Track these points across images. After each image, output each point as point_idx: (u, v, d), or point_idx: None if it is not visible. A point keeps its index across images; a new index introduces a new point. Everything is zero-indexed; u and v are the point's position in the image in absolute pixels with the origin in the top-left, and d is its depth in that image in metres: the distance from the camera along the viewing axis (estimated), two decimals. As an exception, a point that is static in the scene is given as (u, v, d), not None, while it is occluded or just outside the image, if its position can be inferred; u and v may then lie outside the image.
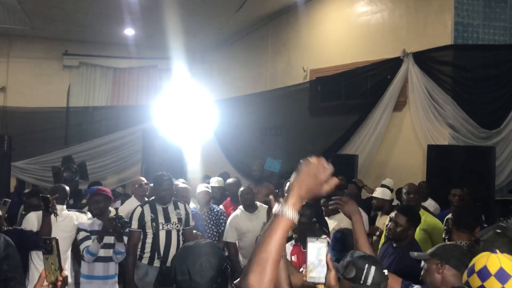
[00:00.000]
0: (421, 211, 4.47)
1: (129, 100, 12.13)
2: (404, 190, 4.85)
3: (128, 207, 5.63)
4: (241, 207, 5.26)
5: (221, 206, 5.88)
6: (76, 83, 11.87)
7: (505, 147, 7.29)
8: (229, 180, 6.34)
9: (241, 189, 5.31)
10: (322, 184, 1.43)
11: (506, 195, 7.46)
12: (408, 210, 3.64)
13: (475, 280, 1.62)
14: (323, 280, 1.66)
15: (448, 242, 3.18)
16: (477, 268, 1.62)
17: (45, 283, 1.86)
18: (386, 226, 3.50)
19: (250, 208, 5.16)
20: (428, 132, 7.49)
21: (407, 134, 7.90)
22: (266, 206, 5.59)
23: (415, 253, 2.69)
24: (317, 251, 1.64)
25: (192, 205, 5.35)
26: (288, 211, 1.35)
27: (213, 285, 1.83)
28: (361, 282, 2.17)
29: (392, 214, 3.47)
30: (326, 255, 1.64)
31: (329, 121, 9.07)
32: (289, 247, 3.33)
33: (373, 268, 2.19)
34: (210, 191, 5.69)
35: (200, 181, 6.46)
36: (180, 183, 5.47)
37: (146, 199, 5.45)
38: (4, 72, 11.30)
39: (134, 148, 10.75)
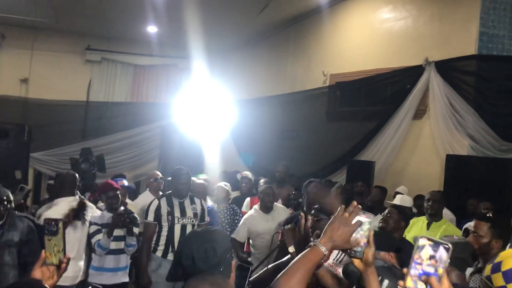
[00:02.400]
0: (443, 220, 4.42)
1: (148, 97, 12.21)
2: (426, 197, 4.78)
3: (142, 201, 5.67)
4: (256, 206, 5.26)
5: (247, 200, 5.87)
6: (97, 78, 11.99)
7: (525, 161, 7.16)
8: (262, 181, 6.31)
9: (262, 188, 5.31)
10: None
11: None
12: (489, 217, 3.14)
13: (499, 279, 1.57)
14: (360, 255, 1.64)
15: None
16: (503, 268, 1.57)
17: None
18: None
19: (267, 209, 5.16)
20: (447, 142, 7.40)
21: (426, 143, 7.82)
22: (282, 206, 5.61)
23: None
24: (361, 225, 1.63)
25: (209, 203, 5.36)
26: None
27: (215, 272, 1.83)
28: None
29: (471, 224, 3.10)
30: (369, 231, 1.63)
31: (347, 126, 9.03)
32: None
33: (386, 282, 2.09)
34: (228, 189, 5.70)
35: (218, 177, 6.49)
36: (197, 179, 5.49)
37: (161, 193, 5.48)
38: (27, 64, 11.46)
39: (153, 145, 10.83)
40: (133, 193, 6.74)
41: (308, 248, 1.68)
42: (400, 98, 8.03)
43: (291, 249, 2.82)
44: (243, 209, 5.76)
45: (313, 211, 3.31)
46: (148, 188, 5.98)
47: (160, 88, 12.37)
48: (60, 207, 4.36)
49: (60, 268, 1.84)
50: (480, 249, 2.91)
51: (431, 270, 1.33)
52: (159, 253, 4.48)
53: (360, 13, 9.26)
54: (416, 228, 4.35)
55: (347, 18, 9.52)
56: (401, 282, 1.35)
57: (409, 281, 1.34)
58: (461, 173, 6.78)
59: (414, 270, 1.35)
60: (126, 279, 4.43)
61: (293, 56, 10.68)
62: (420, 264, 1.35)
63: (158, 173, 6.01)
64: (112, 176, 6.70)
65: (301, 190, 6.99)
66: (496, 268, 1.58)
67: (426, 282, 1.32)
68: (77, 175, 4.65)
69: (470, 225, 3.46)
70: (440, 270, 1.32)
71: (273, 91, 10.84)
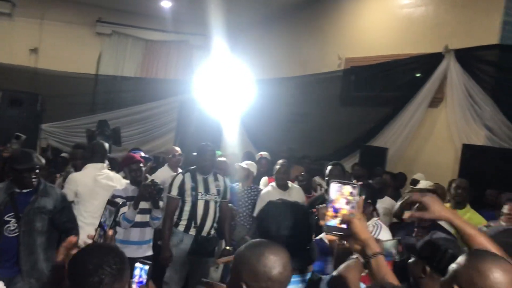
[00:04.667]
0: (467, 208, 4.41)
1: (158, 73, 12.12)
2: (454, 185, 4.76)
3: (161, 175, 5.64)
4: (273, 183, 5.25)
5: (265, 178, 5.86)
6: (107, 51, 11.86)
7: (540, 154, 7.13)
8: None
9: (277, 167, 5.29)
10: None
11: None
12: None
13: None
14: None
15: None
16: None
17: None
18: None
19: (283, 186, 5.15)
20: (463, 131, 7.36)
21: (441, 132, 7.78)
22: (298, 187, 5.59)
23: None
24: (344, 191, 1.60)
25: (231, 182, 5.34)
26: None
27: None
28: (434, 264, 2.09)
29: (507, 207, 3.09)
30: (358, 196, 1.59)
31: (361, 111, 8.97)
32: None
33: (449, 252, 2.08)
34: (248, 167, 5.67)
35: (242, 157, 6.47)
36: (222, 158, 5.48)
37: (179, 169, 5.45)
38: (37, 33, 11.31)
39: (168, 119, 10.81)
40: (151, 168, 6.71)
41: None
42: (417, 85, 7.96)
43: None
44: (261, 187, 5.75)
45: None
46: (167, 164, 5.94)
47: (170, 64, 12.26)
48: (87, 172, 4.39)
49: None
50: None
51: (344, 206, 1.54)
52: (181, 228, 4.47)
53: (379, -3, 9.14)
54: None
55: (365, 2, 9.40)
56: (321, 222, 1.56)
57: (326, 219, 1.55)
58: (476, 163, 6.75)
59: (330, 209, 1.56)
60: (150, 252, 4.42)
61: (309, 37, 10.54)
62: (334, 202, 1.55)
63: (177, 149, 5.97)
64: (129, 150, 6.66)
65: (313, 172, 7.04)
66: None
67: (341, 217, 1.53)
68: (107, 144, 4.62)
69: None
70: (351, 206, 1.53)
71: (286, 73, 10.74)
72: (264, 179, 5.89)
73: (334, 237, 1.55)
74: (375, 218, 3.20)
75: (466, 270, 1.52)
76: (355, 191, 1.55)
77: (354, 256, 1.93)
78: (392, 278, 1.51)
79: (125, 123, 10.43)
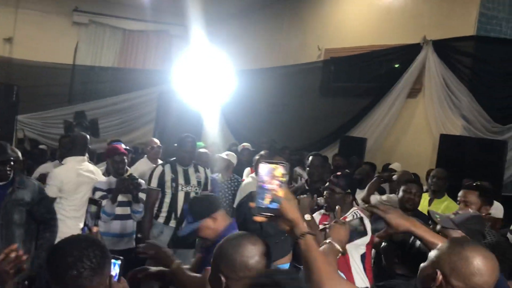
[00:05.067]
0: (445, 197, 4.49)
1: (136, 64, 11.98)
2: (431, 174, 4.84)
3: (140, 168, 5.60)
4: (253, 174, 5.25)
5: (247, 169, 5.85)
6: (84, 41, 11.67)
7: (515, 143, 7.30)
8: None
9: (257, 157, 5.29)
10: None
11: (510, 191, 7.50)
12: (477, 186, 3.32)
13: None
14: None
15: None
16: None
17: None
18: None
19: None
20: (441, 122, 7.47)
21: (419, 122, 7.89)
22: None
23: None
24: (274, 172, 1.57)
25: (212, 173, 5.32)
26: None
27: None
28: (406, 248, 2.19)
29: (460, 193, 3.27)
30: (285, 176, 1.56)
31: (340, 102, 9.03)
32: (317, 216, 3.32)
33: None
34: (229, 158, 5.65)
35: (227, 149, 6.45)
36: (203, 149, 5.45)
37: (159, 161, 5.40)
38: (11, 22, 11.05)
39: (147, 110, 10.69)
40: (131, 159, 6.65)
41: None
42: (395, 76, 8.05)
43: (307, 217, 2.80)
44: (244, 177, 5.75)
45: (328, 184, 3.32)
46: (146, 156, 5.89)
47: (149, 55, 12.14)
48: (69, 166, 4.29)
49: None
50: None
51: (274, 187, 1.52)
52: (161, 220, 4.44)
53: (358, -12, 9.17)
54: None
55: (345, -8, 9.42)
56: (251, 203, 1.54)
57: (256, 202, 1.52)
58: (453, 153, 6.87)
59: (260, 189, 1.53)
60: (132, 245, 4.38)
61: (288, 28, 10.54)
62: (264, 183, 1.53)
63: (156, 140, 5.92)
64: (109, 141, 6.57)
65: (293, 163, 7.07)
66: None
67: (271, 196, 1.51)
68: (88, 136, 4.55)
69: None
70: (280, 184, 1.51)
71: (266, 63, 10.73)
72: (247, 170, 5.89)
73: (263, 219, 1.52)
74: (355, 208, 3.23)
75: (449, 256, 1.60)
76: (286, 171, 1.54)
77: (327, 241, 1.95)
78: (320, 259, 1.50)
79: (103, 114, 10.30)
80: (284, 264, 1.91)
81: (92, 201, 2.10)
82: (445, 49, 7.51)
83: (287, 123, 9.85)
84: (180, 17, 10.09)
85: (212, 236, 2.55)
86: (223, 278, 1.56)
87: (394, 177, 4.90)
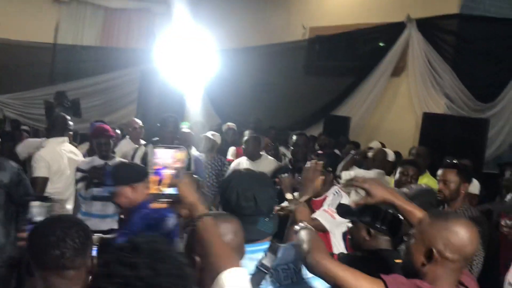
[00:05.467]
0: (426, 174, 4.54)
1: (118, 42, 11.78)
2: (412, 152, 4.89)
3: (122, 149, 5.55)
4: (243, 158, 5.25)
5: (232, 148, 5.84)
6: (65, 19, 11.41)
7: (497, 122, 7.38)
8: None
9: (245, 138, 5.29)
10: None
11: (492, 168, 7.62)
12: (455, 164, 3.33)
13: None
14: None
15: None
16: None
17: None
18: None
19: (252, 156, 5.13)
20: (424, 100, 7.53)
21: (403, 100, 7.93)
22: (271, 158, 5.60)
23: None
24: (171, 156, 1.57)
25: (196, 152, 5.30)
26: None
27: (270, 215, 1.87)
28: (377, 225, 2.18)
29: (439, 172, 3.25)
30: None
31: (325, 81, 9.01)
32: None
33: (390, 212, 2.18)
34: (214, 138, 5.64)
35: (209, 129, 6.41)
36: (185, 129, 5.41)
37: (142, 141, 5.36)
38: (-11, 0, 10.76)
39: (129, 90, 10.53)
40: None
41: None
42: (379, 55, 8.06)
43: (289, 196, 2.82)
44: (229, 157, 5.75)
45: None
46: (128, 137, 5.84)
47: (131, 33, 11.93)
48: (50, 147, 4.21)
49: None
50: (450, 195, 3.10)
51: (171, 171, 1.50)
52: (143, 203, 4.42)
53: (343, -35, 9.08)
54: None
55: (329, -30, 9.33)
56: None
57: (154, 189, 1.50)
58: (436, 131, 6.94)
59: (156, 176, 1.51)
60: (115, 226, 4.36)
61: (273, 7, 10.42)
62: (159, 170, 1.50)
63: (138, 121, 5.86)
64: (91, 122, 6.48)
65: (278, 143, 7.09)
66: None
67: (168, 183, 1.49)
68: (67, 117, 4.47)
69: None
70: (177, 168, 1.49)
71: (251, 42, 10.63)
72: (232, 149, 5.89)
73: (162, 205, 1.50)
74: (336, 186, 3.25)
75: (439, 232, 1.65)
76: (183, 156, 1.53)
77: (303, 224, 1.96)
78: (218, 241, 1.51)
79: (85, 94, 10.13)
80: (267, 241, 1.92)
81: (40, 198, 2.05)
82: (429, 27, 7.52)
83: (272, 103, 9.83)
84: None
85: (126, 205, 2.54)
86: (197, 258, 1.56)
87: (369, 154, 4.94)
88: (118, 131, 5.52)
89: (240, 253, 1.66)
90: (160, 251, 1.23)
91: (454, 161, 3.64)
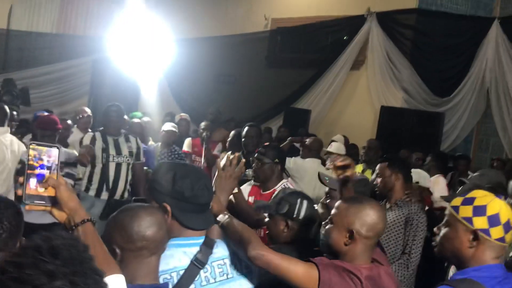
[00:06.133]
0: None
1: (76, 30, 11.38)
2: (364, 145, 4.89)
3: (70, 138, 5.36)
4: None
5: (188, 140, 5.72)
6: (19, 4, 10.92)
7: (452, 116, 7.51)
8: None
9: (200, 129, 5.20)
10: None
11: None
12: (385, 158, 3.47)
13: (467, 210, 1.71)
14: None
15: None
16: (489, 213, 1.68)
17: None
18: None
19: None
20: (382, 94, 7.59)
21: (362, 94, 7.97)
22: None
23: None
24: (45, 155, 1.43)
25: (151, 143, 5.18)
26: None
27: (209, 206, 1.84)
28: (294, 216, 2.29)
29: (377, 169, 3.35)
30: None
31: (286, 73, 8.96)
32: (247, 187, 3.26)
33: (305, 203, 2.31)
34: (177, 131, 5.51)
35: (164, 119, 6.27)
36: (136, 119, 5.26)
37: (90, 131, 5.18)
38: None
39: (82, 80, 10.20)
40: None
41: None
42: (339, 48, 8.06)
43: (235, 189, 2.75)
44: (185, 148, 5.63)
45: (256, 154, 3.25)
46: (75, 125, 5.64)
47: (90, 20, 11.53)
48: None
49: None
50: (385, 187, 3.23)
51: (45, 171, 1.38)
52: (92, 193, 4.27)
53: (305, -43, 9.02)
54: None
55: (292, -39, 9.25)
56: (18, 191, 1.40)
57: (28, 190, 1.37)
58: (393, 124, 7.03)
59: (30, 175, 1.37)
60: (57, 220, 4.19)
61: (234, -4, 10.30)
62: (33, 169, 1.38)
63: (87, 109, 5.68)
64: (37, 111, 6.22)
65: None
66: (481, 211, 1.69)
67: (45, 184, 1.37)
68: (6, 107, 4.23)
69: None
70: (53, 170, 1.39)
71: (211, 32, 10.46)
72: (188, 141, 5.78)
73: (38, 207, 1.38)
74: (284, 180, 3.19)
75: (355, 214, 1.88)
76: (56, 154, 1.41)
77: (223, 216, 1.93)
78: (99, 243, 1.43)
79: (38, 83, 9.77)
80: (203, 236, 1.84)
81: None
82: (388, 21, 7.57)
83: (233, 94, 9.73)
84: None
85: None
86: (118, 250, 1.50)
87: (307, 141, 4.93)
88: (70, 122, 5.27)
89: (163, 248, 1.59)
90: (79, 260, 1.12)
91: (385, 156, 3.79)
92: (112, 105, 4.40)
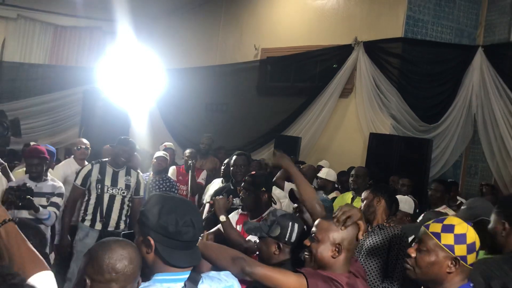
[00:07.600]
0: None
1: (68, 61, 11.52)
2: (352, 172, 4.92)
3: (62, 168, 5.38)
4: (219, 179, 5.16)
5: (173, 168, 5.74)
6: (13, 36, 11.08)
7: (440, 142, 7.61)
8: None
9: (184, 157, 5.21)
10: None
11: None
12: (369, 185, 3.60)
13: (462, 250, 1.79)
14: None
15: None
16: (468, 241, 1.79)
17: None
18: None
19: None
20: (371, 121, 7.67)
21: (351, 121, 8.06)
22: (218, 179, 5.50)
23: None
24: None
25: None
26: None
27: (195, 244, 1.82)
28: (286, 239, 2.35)
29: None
30: None
31: (276, 101, 9.08)
32: (235, 216, 3.28)
33: (296, 226, 2.36)
34: (168, 158, 5.54)
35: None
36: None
37: (86, 162, 5.20)
38: None
39: (73, 111, 10.26)
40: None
41: None
42: (328, 76, 8.18)
43: (223, 218, 2.79)
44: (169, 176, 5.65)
45: (243, 184, 3.29)
46: (72, 156, 5.67)
47: (82, 51, 11.70)
48: None
49: None
50: (367, 211, 3.25)
51: None
52: (87, 223, 4.30)
53: (293, -12, 9.25)
54: (342, 202, 4.47)
55: (280, -7, 9.48)
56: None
57: None
58: (382, 151, 7.09)
59: None
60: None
61: (225, 27, 10.49)
62: None
63: (84, 141, 5.68)
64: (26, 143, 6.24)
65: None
66: (448, 228, 1.80)
67: None
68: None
69: None
70: None
71: (202, 62, 10.63)
72: (172, 169, 5.80)
73: None
74: (272, 208, 3.22)
75: (337, 230, 2.13)
76: None
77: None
78: (24, 244, 1.48)
79: (30, 113, 9.84)
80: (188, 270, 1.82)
81: None
82: (375, 50, 7.71)
83: (225, 122, 9.81)
84: (112, 13, 9.77)
85: None
86: (88, 281, 1.52)
87: (301, 168, 4.98)
88: (53, 150, 5.22)
89: (133, 283, 1.58)
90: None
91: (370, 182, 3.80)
92: (125, 139, 4.45)
